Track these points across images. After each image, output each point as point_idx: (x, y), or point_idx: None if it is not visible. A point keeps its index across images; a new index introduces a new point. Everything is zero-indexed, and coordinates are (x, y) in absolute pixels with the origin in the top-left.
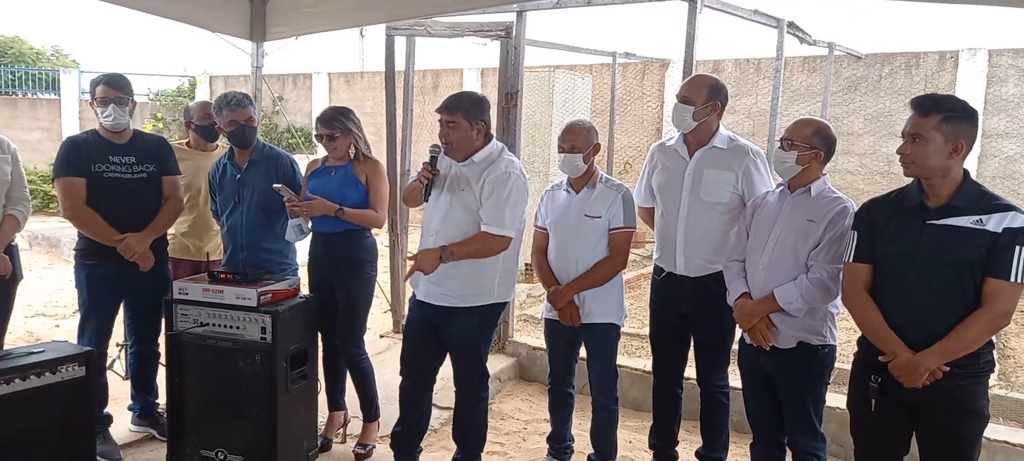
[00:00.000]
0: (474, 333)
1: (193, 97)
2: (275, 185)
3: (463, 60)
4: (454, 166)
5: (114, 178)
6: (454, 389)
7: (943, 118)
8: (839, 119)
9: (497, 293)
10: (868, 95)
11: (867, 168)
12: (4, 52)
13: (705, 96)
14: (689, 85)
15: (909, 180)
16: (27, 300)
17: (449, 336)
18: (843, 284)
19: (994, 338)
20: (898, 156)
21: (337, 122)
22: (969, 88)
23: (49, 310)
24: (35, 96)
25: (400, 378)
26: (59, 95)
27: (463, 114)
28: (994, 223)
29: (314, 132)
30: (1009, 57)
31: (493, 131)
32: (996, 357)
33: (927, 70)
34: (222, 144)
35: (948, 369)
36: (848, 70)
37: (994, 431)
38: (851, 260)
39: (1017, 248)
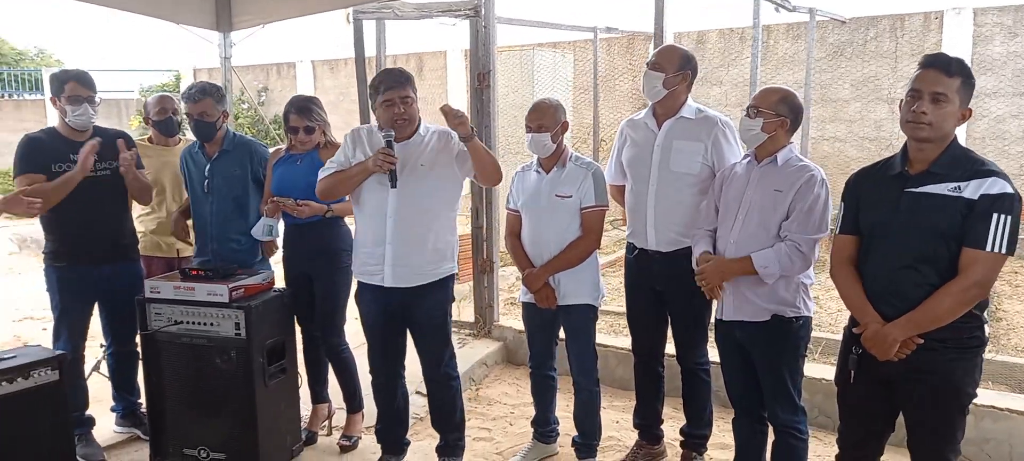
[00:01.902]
0: (442, 307)
1: (178, 91)
2: (277, 198)
3: (445, 42)
4: (406, 146)
5: None
6: (424, 377)
7: (963, 81)
8: (826, 86)
9: (453, 264)
10: (854, 60)
11: (856, 134)
12: None
13: (677, 64)
14: (660, 53)
15: (897, 147)
16: (16, 303)
17: (419, 315)
18: (830, 256)
19: (985, 312)
20: (906, 115)
21: (314, 113)
22: (955, 48)
23: (37, 313)
24: (20, 97)
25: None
26: (43, 95)
27: (412, 86)
28: (971, 190)
29: (287, 124)
30: (994, 15)
31: (467, 113)
32: (987, 329)
33: (912, 31)
34: (184, 138)
35: (922, 341)
36: (833, 35)
37: (981, 396)
38: (838, 232)
39: (995, 216)
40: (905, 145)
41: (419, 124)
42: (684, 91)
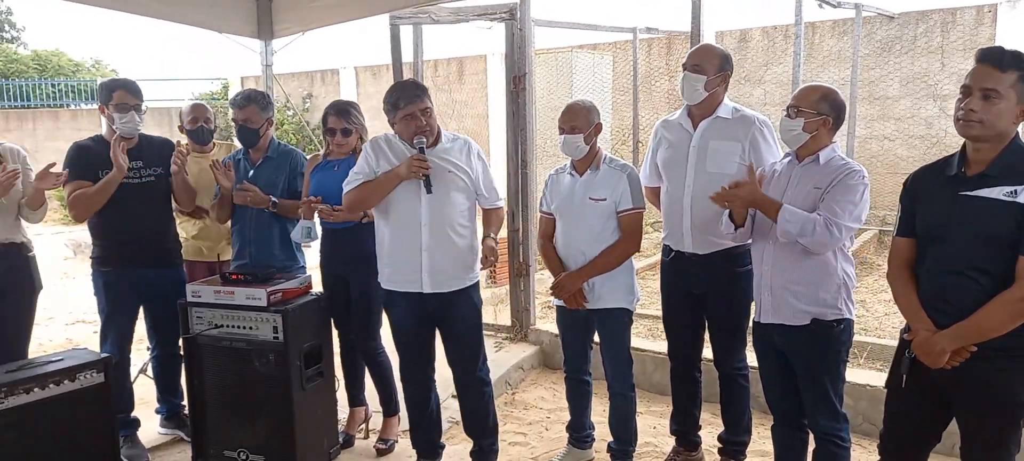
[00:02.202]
0: (477, 309)
1: (226, 99)
2: (308, 199)
3: (485, 46)
4: (433, 153)
5: (122, 183)
6: (455, 382)
7: (1020, 75)
8: (874, 83)
9: (477, 271)
10: (903, 56)
11: (905, 133)
12: (45, 65)
13: (717, 65)
14: (699, 54)
15: (949, 146)
16: (69, 307)
17: (454, 321)
18: (888, 260)
19: None
20: (958, 113)
21: (353, 116)
22: (1010, 42)
23: (89, 317)
24: (76, 107)
25: (401, 383)
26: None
27: (429, 99)
28: None
29: (325, 126)
30: None
31: (504, 116)
32: None
33: (965, 26)
34: (221, 143)
35: (975, 349)
36: (880, 31)
37: None
38: (896, 234)
39: None
40: (964, 145)
41: (440, 132)
42: (722, 91)
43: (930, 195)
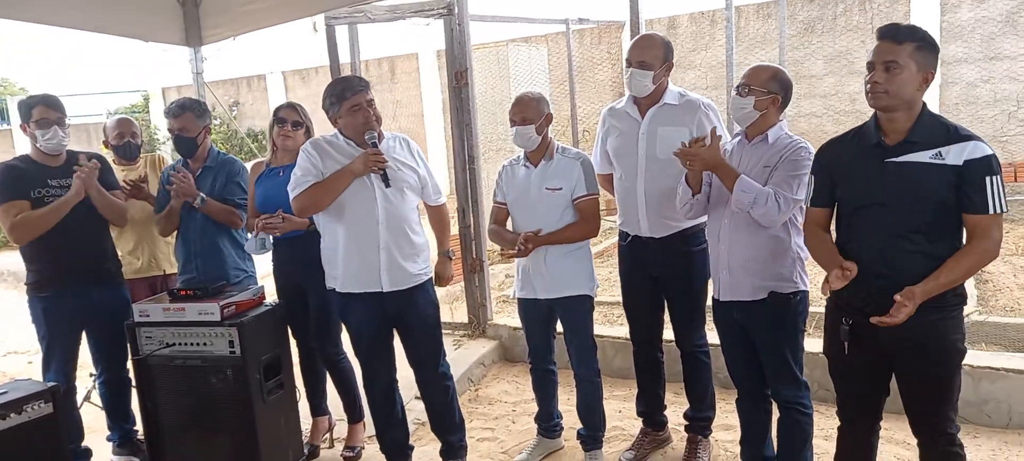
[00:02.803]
0: (434, 306)
1: (148, 112)
2: (264, 216)
3: (417, 44)
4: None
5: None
6: (418, 382)
7: (917, 46)
8: (799, 62)
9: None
10: (825, 35)
11: (832, 109)
12: None
13: (662, 56)
14: (642, 48)
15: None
16: None
17: (411, 318)
18: (804, 226)
19: None
20: (866, 87)
21: (303, 111)
22: (924, 16)
23: (21, 347)
24: None
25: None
26: (9, 124)
27: (372, 92)
28: (954, 156)
29: (276, 116)
30: None
31: (447, 111)
32: (973, 284)
33: (880, 3)
34: (152, 156)
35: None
36: (803, 12)
37: (976, 357)
38: (809, 205)
39: (987, 179)
40: (875, 116)
41: (381, 131)
42: (667, 79)
43: (852, 166)
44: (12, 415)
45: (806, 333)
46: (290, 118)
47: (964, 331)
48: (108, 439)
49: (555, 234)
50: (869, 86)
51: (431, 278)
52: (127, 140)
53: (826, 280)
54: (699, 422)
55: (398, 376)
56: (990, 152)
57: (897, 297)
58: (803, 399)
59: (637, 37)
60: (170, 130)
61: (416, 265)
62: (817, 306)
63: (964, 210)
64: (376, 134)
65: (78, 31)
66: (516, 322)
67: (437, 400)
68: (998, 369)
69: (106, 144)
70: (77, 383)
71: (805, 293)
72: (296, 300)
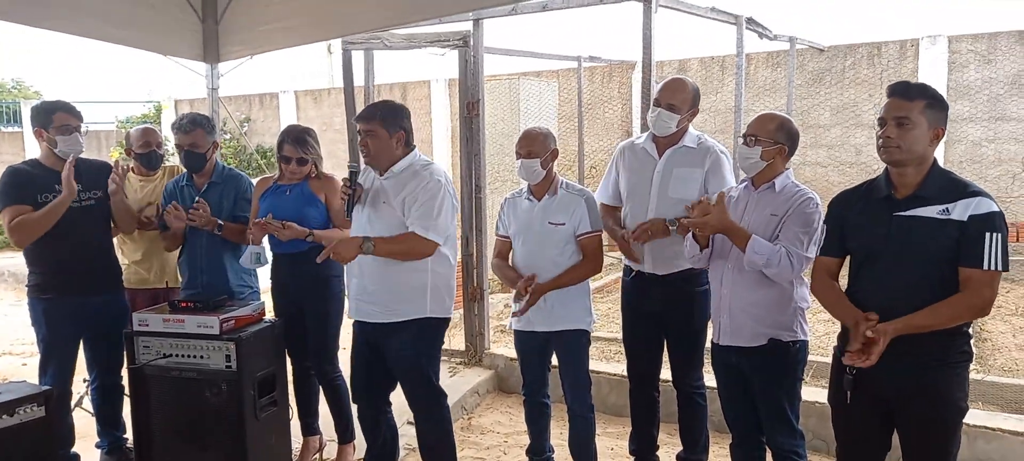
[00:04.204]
0: (410, 350)
1: (159, 123)
2: (259, 220)
3: (429, 72)
4: (376, 180)
5: None
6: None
7: (927, 104)
8: (806, 112)
9: (430, 308)
10: (833, 87)
11: (837, 159)
12: None
13: (689, 102)
14: (672, 91)
15: (877, 171)
16: None
17: (388, 357)
18: (812, 275)
19: (970, 328)
20: (879, 142)
21: (309, 146)
22: (931, 75)
23: (16, 348)
24: None
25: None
26: (21, 127)
27: (380, 122)
28: (959, 211)
29: (280, 153)
30: (968, 43)
31: (456, 140)
32: (973, 344)
33: (889, 59)
34: (172, 167)
35: (914, 359)
36: (812, 63)
37: (973, 416)
38: (819, 254)
39: (987, 235)
40: (887, 170)
41: (399, 160)
42: (689, 124)
43: (862, 218)
44: (4, 416)
45: (804, 382)
46: (294, 156)
47: (967, 390)
48: (97, 447)
49: (560, 278)
50: (881, 141)
51: (412, 321)
52: (152, 149)
53: (848, 346)
54: None
55: (395, 397)
56: (995, 209)
57: (868, 332)
58: (798, 448)
59: (669, 79)
60: (180, 145)
61: (378, 298)
62: (815, 355)
63: (959, 263)
64: (358, 166)
65: (99, 42)
66: (513, 352)
67: (425, 436)
68: (994, 429)
69: (129, 152)
70: (71, 388)
71: (805, 342)
72: (294, 318)
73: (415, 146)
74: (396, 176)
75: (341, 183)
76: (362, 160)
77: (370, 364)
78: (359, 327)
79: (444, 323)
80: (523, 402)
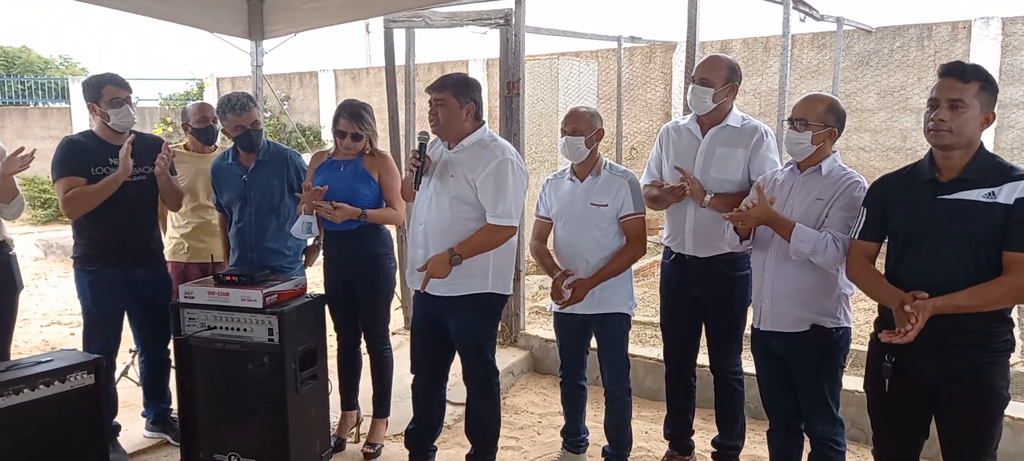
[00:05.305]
0: (471, 326)
1: (201, 100)
2: (315, 188)
3: (468, 52)
4: (444, 153)
5: None
6: (466, 384)
7: (981, 86)
8: (851, 95)
9: (491, 284)
10: (880, 70)
11: (881, 144)
12: (12, 62)
13: (724, 77)
14: (707, 66)
15: (920, 154)
16: (43, 309)
17: (450, 330)
18: (849, 258)
19: (1014, 315)
20: (928, 124)
21: (365, 121)
22: (983, 58)
23: (64, 318)
24: (46, 105)
25: (411, 375)
26: (69, 103)
27: (452, 91)
28: (1006, 194)
29: (335, 127)
30: (1023, 24)
31: (496, 120)
32: (1019, 334)
33: (939, 41)
34: (220, 145)
35: (957, 347)
36: (858, 45)
37: (1018, 409)
38: (857, 237)
39: None
40: (931, 153)
41: (469, 134)
42: (730, 101)
43: (905, 200)
44: (56, 383)
45: (844, 370)
46: (350, 131)
47: (1009, 378)
48: (143, 415)
49: (604, 270)
50: (932, 124)
51: (474, 296)
52: (209, 124)
53: (888, 325)
54: (727, 450)
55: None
56: None
57: (907, 307)
58: (837, 436)
59: (706, 57)
60: (240, 125)
61: (453, 276)
62: (857, 344)
63: (1003, 247)
64: (428, 136)
65: (146, 17)
66: (548, 333)
67: (475, 410)
68: None
69: (185, 127)
70: (116, 359)
71: (847, 329)
72: (344, 293)
73: (484, 121)
74: (465, 150)
75: (410, 155)
76: (430, 131)
77: (429, 336)
78: (420, 299)
79: (503, 299)
80: (559, 383)
